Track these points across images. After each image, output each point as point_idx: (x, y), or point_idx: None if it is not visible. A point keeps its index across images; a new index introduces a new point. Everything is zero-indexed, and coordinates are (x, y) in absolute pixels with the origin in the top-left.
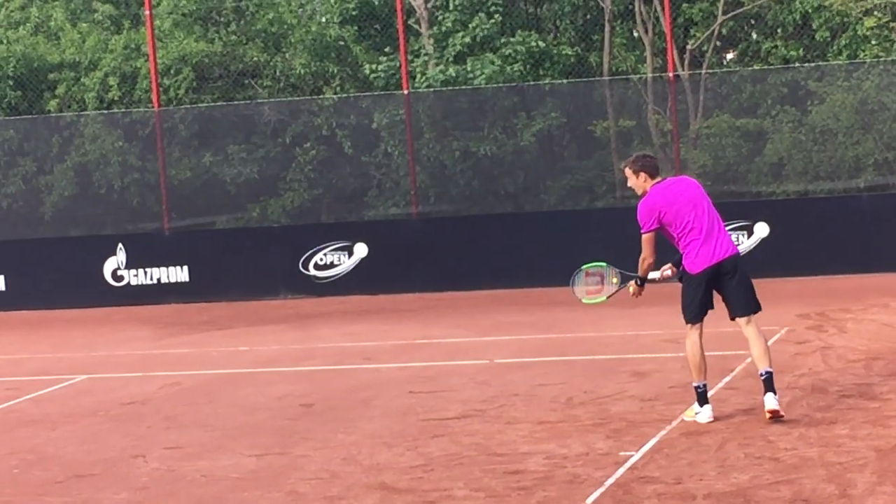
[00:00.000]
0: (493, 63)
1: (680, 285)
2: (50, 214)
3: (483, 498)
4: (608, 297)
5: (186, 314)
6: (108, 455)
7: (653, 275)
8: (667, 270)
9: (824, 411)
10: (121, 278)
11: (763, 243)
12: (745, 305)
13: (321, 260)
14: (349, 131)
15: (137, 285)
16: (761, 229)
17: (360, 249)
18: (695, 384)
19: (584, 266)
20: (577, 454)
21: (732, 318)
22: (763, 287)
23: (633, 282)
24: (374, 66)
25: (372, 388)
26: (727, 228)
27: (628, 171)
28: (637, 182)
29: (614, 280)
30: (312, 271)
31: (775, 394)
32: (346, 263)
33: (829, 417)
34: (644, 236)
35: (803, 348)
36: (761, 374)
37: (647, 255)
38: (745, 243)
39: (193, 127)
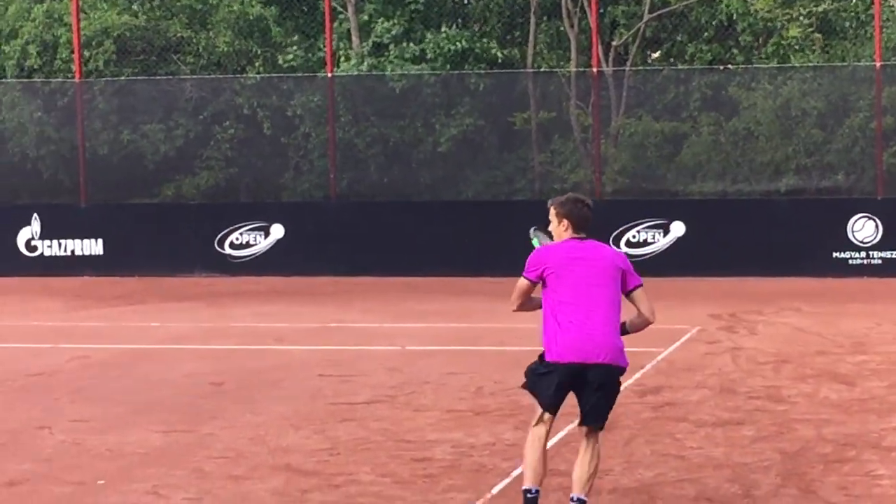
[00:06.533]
0: (413, 63)
1: None
2: None
3: (389, 483)
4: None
5: (99, 287)
6: (13, 426)
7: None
8: None
9: (732, 412)
10: (34, 248)
11: (679, 242)
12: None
13: (237, 239)
14: (269, 112)
15: (51, 256)
16: (677, 228)
17: (277, 230)
18: (524, 487)
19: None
20: (485, 444)
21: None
22: (677, 286)
23: None
24: (294, 49)
25: (282, 370)
26: (643, 227)
27: (552, 211)
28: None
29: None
30: (228, 250)
31: None
32: (262, 244)
33: (736, 418)
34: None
35: (714, 348)
36: (572, 500)
37: (513, 300)
38: (661, 241)
39: (113, 101)
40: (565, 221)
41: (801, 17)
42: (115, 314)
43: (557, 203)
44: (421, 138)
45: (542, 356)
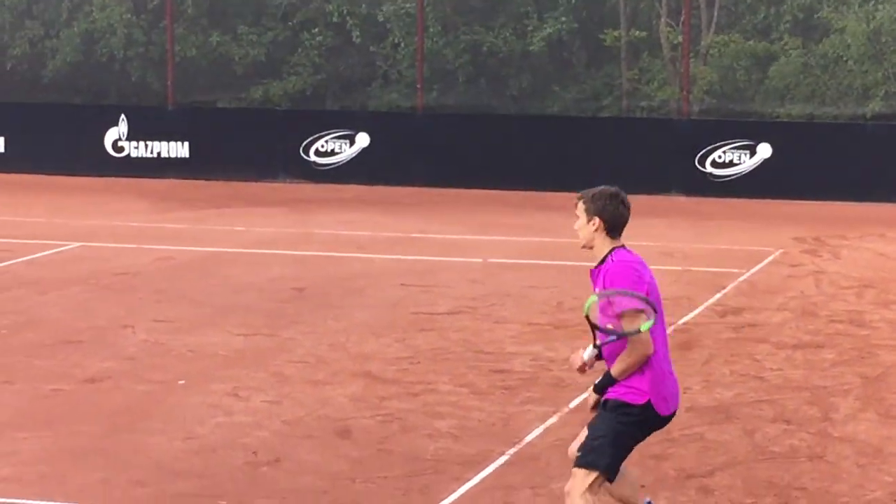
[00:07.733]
0: None
1: None
2: (53, 80)
3: (466, 394)
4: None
5: (184, 190)
6: (97, 323)
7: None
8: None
9: (813, 335)
10: (121, 149)
11: (765, 164)
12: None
13: (322, 147)
14: (359, 20)
15: (138, 157)
16: (764, 150)
17: (363, 139)
18: None
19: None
20: (564, 358)
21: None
22: (762, 208)
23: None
24: None
25: (364, 278)
26: (730, 147)
27: (580, 208)
28: (586, 229)
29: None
30: (313, 157)
31: None
32: (347, 152)
33: (817, 341)
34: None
35: (797, 271)
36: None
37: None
38: (747, 163)
39: (203, 3)
40: (598, 222)
41: None
42: (199, 217)
43: (587, 197)
44: (512, 48)
45: (636, 412)
